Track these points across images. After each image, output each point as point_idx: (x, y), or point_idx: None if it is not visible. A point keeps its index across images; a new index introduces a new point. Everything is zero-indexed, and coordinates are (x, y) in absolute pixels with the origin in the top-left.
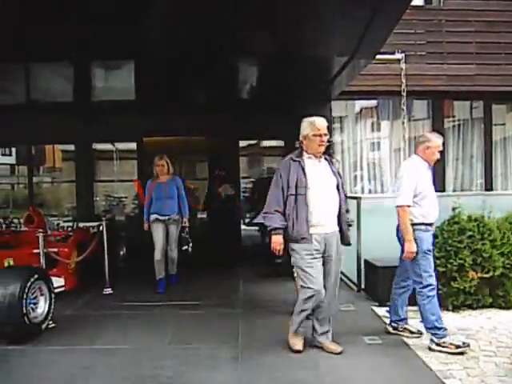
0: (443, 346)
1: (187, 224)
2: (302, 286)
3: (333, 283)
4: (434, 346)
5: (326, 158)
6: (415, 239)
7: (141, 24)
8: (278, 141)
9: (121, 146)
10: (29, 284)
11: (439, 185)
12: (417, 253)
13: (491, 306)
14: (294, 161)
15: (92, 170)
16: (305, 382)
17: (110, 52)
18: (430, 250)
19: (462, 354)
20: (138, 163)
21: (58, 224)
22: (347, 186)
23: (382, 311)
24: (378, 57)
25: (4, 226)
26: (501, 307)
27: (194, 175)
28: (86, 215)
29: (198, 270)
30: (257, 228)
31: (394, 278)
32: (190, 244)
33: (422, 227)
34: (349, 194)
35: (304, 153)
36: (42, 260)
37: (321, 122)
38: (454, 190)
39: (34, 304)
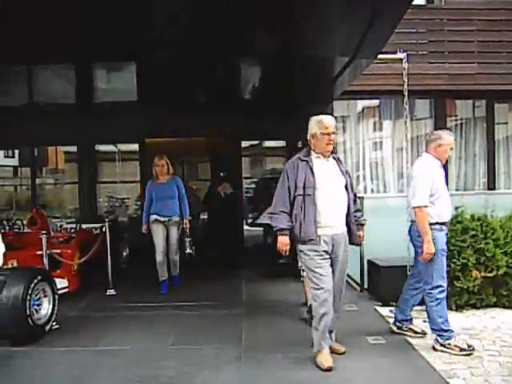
0: (448, 348)
1: (188, 225)
2: (313, 287)
3: (338, 283)
4: (438, 346)
5: (334, 157)
6: (431, 238)
7: (142, 25)
8: (279, 141)
9: (123, 147)
10: (32, 285)
11: None
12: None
13: (495, 305)
14: (302, 160)
15: (94, 171)
16: (308, 382)
17: (112, 53)
18: (444, 250)
19: (467, 354)
20: (140, 164)
21: (60, 225)
22: None
23: (385, 311)
24: (379, 56)
25: (7, 227)
26: (505, 306)
27: (197, 176)
28: (88, 216)
29: (201, 271)
30: (261, 228)
31: (407, 278)
32: (193, 247)
33: (437, 227)
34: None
35: (312, 152)
36: (46, 261)
37: (329, 121)
38: (457, 190)
39: (38, 305)
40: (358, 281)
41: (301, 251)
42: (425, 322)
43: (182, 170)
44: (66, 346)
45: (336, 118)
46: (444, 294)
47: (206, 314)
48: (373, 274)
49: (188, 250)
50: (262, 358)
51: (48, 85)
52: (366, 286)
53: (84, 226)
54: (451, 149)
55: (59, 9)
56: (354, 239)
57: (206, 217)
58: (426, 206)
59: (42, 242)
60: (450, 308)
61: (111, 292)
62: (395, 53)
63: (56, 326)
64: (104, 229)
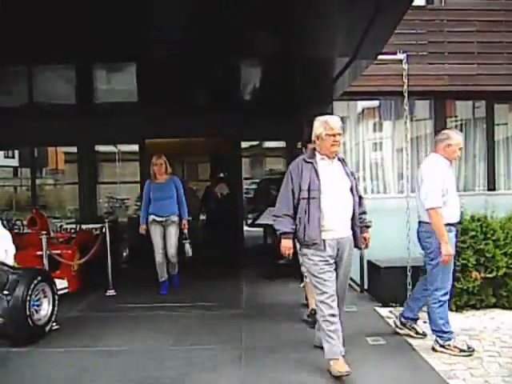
0: (447, 348)
1: (186, 226)
2: (316, 293)
3: (341, 287)
4: (437, 347)
5: (339, 158)
6: (439, 240)
7: (142, 25)
8: (279, 142)
9: (123, 147)
10: (32, 286)
11: None
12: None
13: (495, 306)
14: (307, 162)
15: (94, 171)
16: (307, 383)
17: (112, 53)
18: (453, 251)
19: (467, 355)
20: (140, 165)
21: (60, 226)
22: None
23: (385, 312)
24: (379, 57)
25: (7, 228)
26: (504, 307)
27: (196, 176)
28: (88, 217)
29: (200, 271)
30: (261, 228)
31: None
32: (191, 249)
33: (447, 228)
34: None
35: (317, 153)
36: (46, 262)
37: (334, 122)
38: (457, 190)
39: (38, 306)
40: (358, 281)
41: (304, 255)
42: (425, 322)
43: (182, 170)
44: (65, 346)
45: None
46: (447, 297)
47: (206, 314)
48: (373, 275)
49: (188, 254)
50: (262, 359)
51: (48, 85)
52: (365, 286)
53: (84, 226)
54: (460, 149)
55: (59, 9)
56: (358, 242)
57: (204, 217)
58: (440, 207)
59: (41, 242)
60: (449, 309)
61: (111, 292)
62: (395, 54)
63: (56, 327)
64: (104, 229)
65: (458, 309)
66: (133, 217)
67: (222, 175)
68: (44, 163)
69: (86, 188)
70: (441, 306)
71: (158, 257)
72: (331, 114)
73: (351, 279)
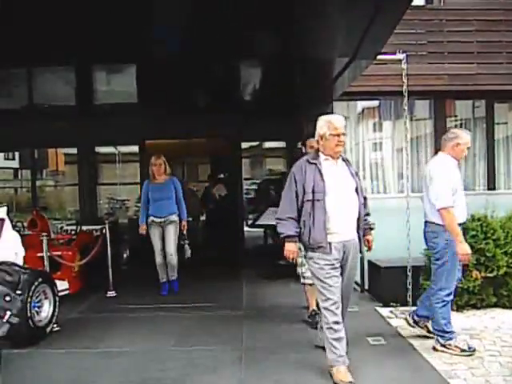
0: (448, 348)
1: (186, 227)
2: (321, 299)
3: (346, 290)
4: (438, 347)
5: (343, 159)
6: (446, 240)
7: (142, 26)
8: (279, 142)
9: (123, 148)
10: (33, 287)
11: None
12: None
13: (495, 305)
14: (311, 163)
15: (95, 173)
16: (309, 383)
17: (111, 54)
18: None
19: (468, 355)
20: (140, 166)
21: (61, 227)
22: None
23: (385, 312)
24: (379, 57)
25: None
26: (505, 307)
27: (197, 177)
28: (89, 218)
29: (200, 272)
30: (262, 229)
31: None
32: (189, 251)
33: None
34: None
35: (320, 154)
36: (46, 263)
37: (338, 121)
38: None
39: (39, 307)
40: (359, 281)
41: (310, 259)
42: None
43: (182, 171)
44: (66, 347)
45: None
46: (451, 297)
47: (206, 315)
48: (373, 275)
49: (187, 255)
50: (262, 360)
51: (48, 87)
52: (366, 286)
53: (84, 227)
54: (468, 148)
55: (59, 10)
56: (362, 245)
57: (204, 218)
58: (452, 207)
59: (42, 244)
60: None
61: (112, 294)
62: (394, 54)
63: (57, 328)
64: (104, 230)
65: (459, 308)
66: (133, 218)
67: (221, 176)
68: (44, 165)
69: (86, 189)
70: (444, 305)
71: (158, 258)
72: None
73: None
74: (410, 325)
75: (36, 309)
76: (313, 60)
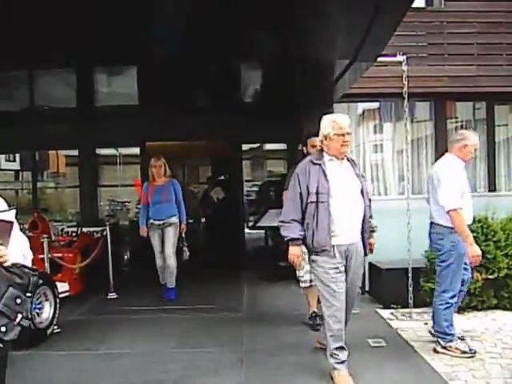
0: (449, 350)
1: (185, 229)
2: (324, 304)
3: (350, 293)
4: (439, 349)
5: (348, 159)
6: (452, 242)
7: (142, 27)
8: (280, 144)
9: (124, 150)
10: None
11: None
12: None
13: (496, 307)
14: (314, 164)
15: (95, 174)
16: None
17: (112, 55)
18: (464, 255)
19: (469, 357)
20: (141, 168)
21: (62, 229)
22: None
23: (386, 313)
24: (379, 59)
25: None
26: (506, 309)
27: (197, 179)
28: (89, 220)
29: (201, 274)
30: (262, 231)
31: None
32: (188, 253)
33: None
34: None
35: (324, 154)
36: (47, 265)
37: (343, 120)
38: None
39: (39, 309)
40: (360, 283)
41: (313, 262)
42: (425, 324)
43: (183, 173)
44: (67, 349)
45: None
46: (455, 299)
47: (207, 317)
48: (374, 277)
49: (185, 257)
50: (263, 362)
51: (48, 89)
52: (367, 288)
53: (85, 229)
54: (475, 150)
55: (58, 11)
56: (366, 248)
57: (203, 220)
58: (461, 208)
59: (43, 245)
60: None
61: (112, 295)
62: (395, 56)
63: (57, 330)
64: (105, 232)
65: (460, 310)
66: (134, 219)
67: (221, 178)
68: (45, 166)
69: (87, 191)
70: (447, 307)
71: (158, 260)
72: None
73: None
74: (433, 335)
75: (37, 310)
76: (313, 62)
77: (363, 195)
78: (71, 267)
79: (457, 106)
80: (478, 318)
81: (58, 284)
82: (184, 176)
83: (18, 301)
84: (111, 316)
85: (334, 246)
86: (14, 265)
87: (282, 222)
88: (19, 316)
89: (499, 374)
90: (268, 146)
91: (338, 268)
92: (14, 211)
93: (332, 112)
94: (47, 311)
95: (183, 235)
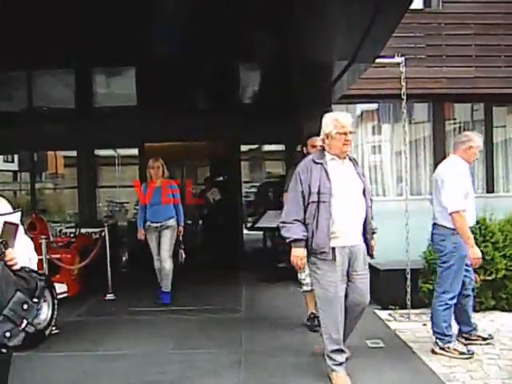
0: (447, 351)
1: (182, 232)
2: (321, 307)
3: (360, 299)
4: (437, 350)
5: (350, 158)
6: (454, 244)
7: (142, 28)
8: (278, 145)
9: (122, 151)
10: None
11: None
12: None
13: (494, 308)
14: (316, 163)
15: (94, 175)
16: None
17: (111, 56)
18: (466, 256)
19: (467, 358)
20: (139, 169)
21: (60, 230)
22: None
23: (384, 314)
24: (377, 61)
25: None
26: (504, 310)
27: (196, 180)
28: (88, 221)
29: (199, 275)
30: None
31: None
32: (184, 256)
33: None
34: None
35: (326, 153)
36: (45, 266)
37: (345, 119)
38: None
39: (37, 310)
40: None
41: (313, 264)
42: (424, 325)
43: (182, 173)
44: (65, 350)
45: None
46: (455, 301)
47: (205, 318)
48: (372, 278)
49: (180, 260)
50: (261, 363)
51: (47, 89)
52: None
53: (83, 230)
54: (479, 151)
55: (57, 11)
56: (370, 251)
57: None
58: (464, 210)
59: (41, 246)
60: None
61: (111, 296)
62: (393, 57)
63: (56, 331)
64: (103, 233)
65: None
66: (132, 220)
67: (219, 179)
68: (43, 167)
69: (85, 192)
70: (446, 308)
71: (156, 263)
72: None
73: None
74: (465, 345)
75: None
76: (312, 63)
77: (365, 195)
78: (69, 268)
79: (455, 108)
80: (476, 319)
81: (57, 285)
82: (183, 177)
83: (25, 306)
84: (109, 317)
85: (334, 248)
86: (22, 268)
87: (284, 222)
88: (24, 322)
89: (497, 375)
90: (266, 147)
91: (338, 271)
92: (19, 213)
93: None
94: (45, 312)
95: (181, 238)
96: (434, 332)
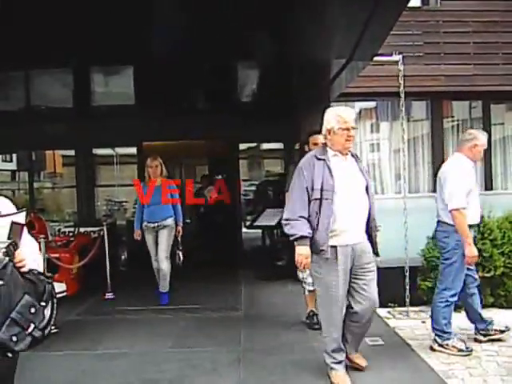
0: (446, 348)
1: (180, 232)
2: (322, 307)
3: (369, 300)
4: (436, 347)
5: (352, 155)
6: (457, 241)
7: (141, 28)
8: (277, 144)
9: (121, 150)
10: None
11: None
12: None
13: (493, 305)
14: (319, 159)
15: (92, 174)
16: None
17: (110, 55)
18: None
19: (465, 355)
20: (138, 168)
21: (59, 229)
22: None
23: (383, 312)
24: (375, 59)
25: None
26: (502, 306)
27: (195, 178)
28: (87, 220)
29: (198, 274)
30: (259, 230)
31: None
32: (181, 258)
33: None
34: None
35: (328, 150)
36: (44, 265)
37: (348, 114)
38: None
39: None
40: None
41: (315, 263)
42: (423, 322)
43: (180, 172)
44: (64, 349)
45: None
46: (455, 298)
47: (204, 316)
48: None
49: (178, 261)
50: (260, 361)
51: (45, 88)
52: None
53: (82, 229)
54: (484, 150)
55: (56, 12)
56: (375, 249)
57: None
58: (464, 208)
59: (40, 246)
60: None
61: (110, 296)
62: (391, 55)
63: (55, 330)
64: (102, 232)
65: (456, 308)
66: (131, 219)
67: (218, 177)
68: (42, 167)
69: (84, 191)
70: (447, 306)
71: (154, 263)
72: None
73: None
74: (483, 341)
75: None
76: (310, 61)
77: (368, 192)
78: (68, 267)
79: (453, 105)
80: None
81: (56, 284)
82: (181, 175)
83: (33, 310)
84: (108, 316)
85: (336, 246)
86: (30, 271)
87: (288, 219)
88: (32, 326)
89: (496, 372)
90: (265, 146)
91: (340, 270)
92: (24, 213)
93: None
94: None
95: (179, 239)
96: (434, 328)
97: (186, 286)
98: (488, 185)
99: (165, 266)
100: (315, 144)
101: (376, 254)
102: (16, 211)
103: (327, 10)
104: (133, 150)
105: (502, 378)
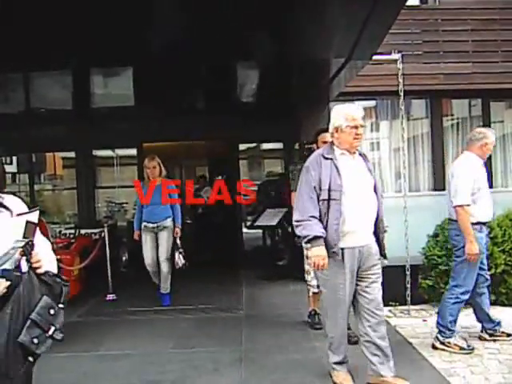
0: (447, 346)
1: (179, 233)
2: (328, 310)
3: (374, 303)
4: (438, 344)
5: (360, 153)
6: None
7: (140, 28)
8: (277, 144)
9: (121, 152)
10: None
11: (439, 183)
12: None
13: (494, 303)
14: (326, 158)
15: (93, 176)
16: None
17: (110, 56)
18: (482, 252)
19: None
20: (138, 169)
21: (59, 231)
22: None
23: (384, 311)
24: (374, 57)
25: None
26: (503, 304)
27: (195, 179)
28: (87, 222)
29: (199, 274)
30: (260, 230)
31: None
32: (183, 261)
33: (477, 227)
34: None
35: (335, 148)
36: None
37: (356, 111)
38: None
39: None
40: None
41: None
42: (424, 321)
43: (181, 173)
44: (66, 351)
45: None
46: (466, 297)
47: (205, 317)
48: None
49: (179, 264)
50: (262, 361)
51: (45, 91)
52: None
53: (83, 231)
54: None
55: (56, 13)
56: (382, 250)
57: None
58: (468, 205)
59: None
60: None
61: (111, 297)
62: (390, 54)
63: None
64: (103, 234)
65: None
66: (132, 221)
67: (219, 177)
68: (42, 169)
69: (84, 193)
70: (456, 303)
71: (150, 269)
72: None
73: None
74: (487, 340)
75: None
76: (310, 61)
77: (376, 192)
78: (69, 269)
79: (452, 104)
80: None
81: None
82: (181, 176)
83: (52, 311)
84: (110, 317)
85: (343, 248)
86: (46, 273)
87: (299, 220)
88: (52, 328)
89: (498, 370)
90: (265, 146)
91: (347, 273)
92: (37, 212)
93: (328, 111)
94: None
95: (178, 240)
96: (438, 324)
97: (187, 286)
98: (488, 183)
99: (166, 268)
100: (324, 142)
101: (384, 256)
102: (29, 210)
103: (327, 9)
104: (133, 152)
105: (503, 375)
